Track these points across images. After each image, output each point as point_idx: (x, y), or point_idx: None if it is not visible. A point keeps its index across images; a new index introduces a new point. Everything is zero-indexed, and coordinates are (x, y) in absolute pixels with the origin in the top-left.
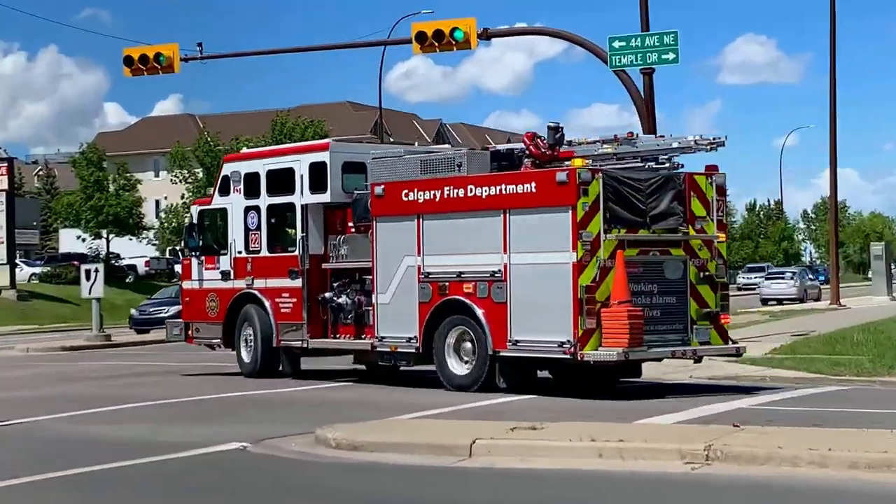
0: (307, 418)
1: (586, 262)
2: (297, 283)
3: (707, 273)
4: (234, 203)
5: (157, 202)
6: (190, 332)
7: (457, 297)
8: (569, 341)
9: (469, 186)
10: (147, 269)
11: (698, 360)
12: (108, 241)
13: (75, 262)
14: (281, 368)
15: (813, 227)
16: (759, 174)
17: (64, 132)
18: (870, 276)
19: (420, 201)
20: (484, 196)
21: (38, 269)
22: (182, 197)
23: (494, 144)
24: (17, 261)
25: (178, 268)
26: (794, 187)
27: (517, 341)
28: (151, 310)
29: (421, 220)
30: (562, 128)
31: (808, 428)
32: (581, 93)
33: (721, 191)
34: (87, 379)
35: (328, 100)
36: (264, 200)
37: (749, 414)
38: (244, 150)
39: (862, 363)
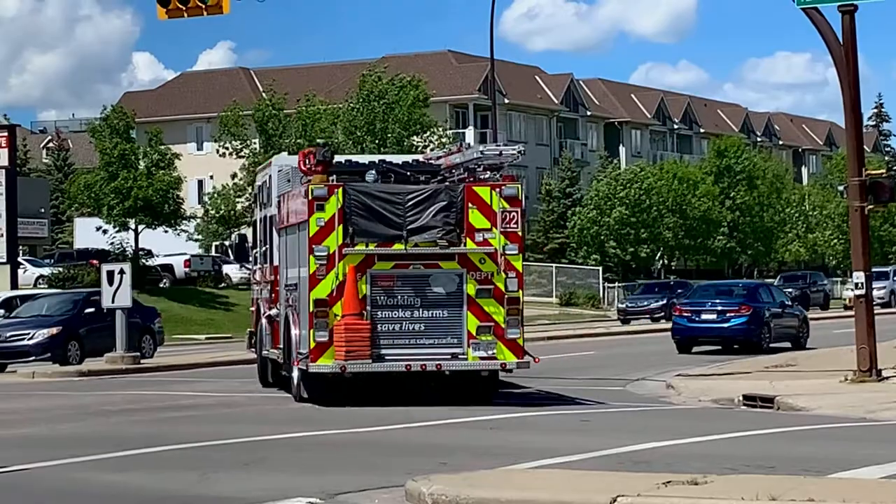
0: (390, 465)
1: (321, 277)
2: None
3: (491, 286)
4: None
5: (201, 183)
6: None
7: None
8: (303, 353)
9: (287, 203)
10: (187, 270)
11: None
12: (136, 234)
13: (94, 262)
14: None
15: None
16: None
17: (81, 92)
18: None
19: (277, 217)
20: (287, 212)
21: (46, 270)
22: (234, 176)
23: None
24: (21, 259)
25: (228, 269)
26: None
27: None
28: (9, 334)
29: (278, 235)
30: (329, 146)
31: None
32: (761, 38)
33: (513, 202)
34: (110, 412)
35: (424, 48)
36: None
37: None
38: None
39: None
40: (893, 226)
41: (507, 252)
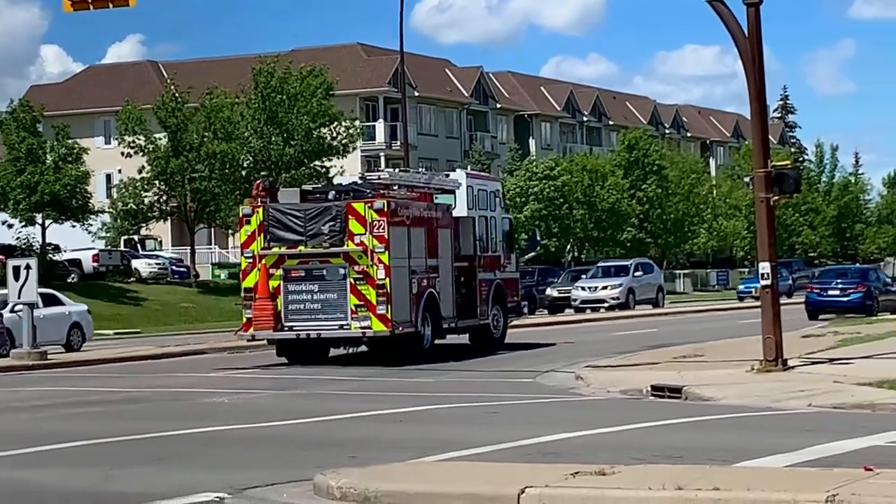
0: (300, 459)
1: (249, 271)
2: None
3: (365, 277)
4: None
5: (109, 176)
6: None
7: None
8: (240, 327)
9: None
10: (95, 264)
11: (355, 344)
12: (44, 229)
13: (0, 257)
14: None
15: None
16: None
17: None
18: None
19: None
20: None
21: None
22: (140, 171)
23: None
24: None
25: (137, 263)
26: None
27: None
28: None
29: None
30: (272, 178)
31: None
32: (671, 31)
33: (380, 213)
34: (13, 409)
35: (333, 41)
36: None
37: (887, 453)
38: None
39: None
40: (800, 214)
41: (376, 250)
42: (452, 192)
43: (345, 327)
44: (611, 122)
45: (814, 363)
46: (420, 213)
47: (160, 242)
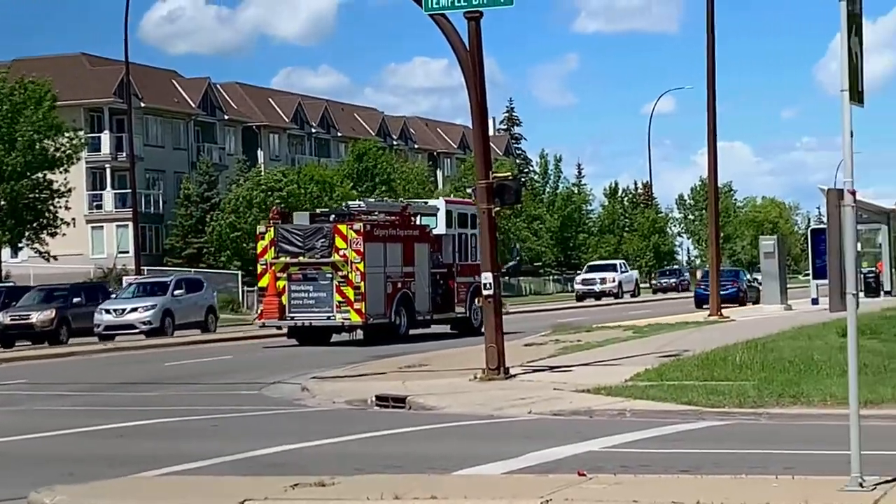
0: (15, 476)
1: (263, 274)
2: None
3: (346, 280)
4: None
5: None
6: None
7: None
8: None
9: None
10: None
11: (349, 330)
12: None
13: None
14: None
15: (691, 217)
16: (624, 149)
17: None
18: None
19: None
20: None
21: None
22: None
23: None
24: None
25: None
26: (670, 167)
27: None
28: None
29: None
30: (282, 206)
31: (674, 476)
32: (400, 43)
33: (358, 232)
34: None
35: (56, 51)
36: None
37: (601, 458)
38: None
39: (745, 391)
40: (521, 221)
41: (354, 261)
42: (433, 214)
43: (330, 318)
44: (339, 134)
45: (535, 371)
46: (396, 231)
47: None
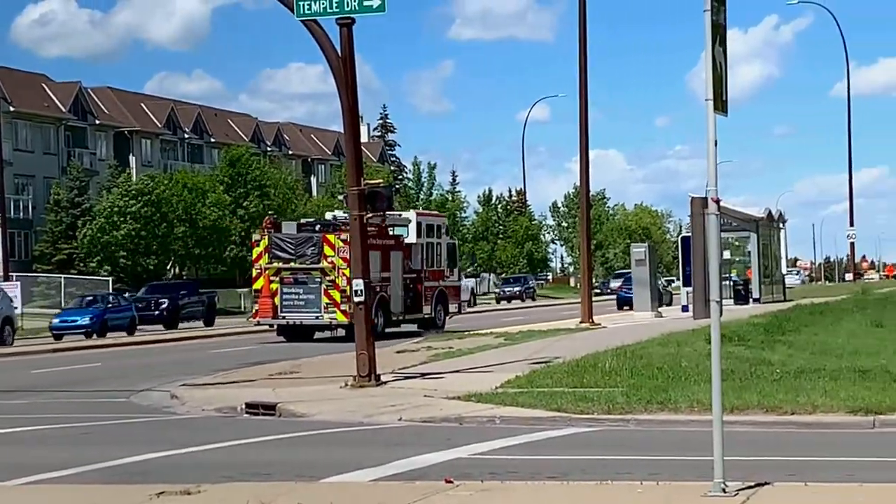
0: None
1: (257, 278)
2: None
3: (333, 284)
4: None
5: None
6: None
7: None
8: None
9: None
10: None
11: (334, 328)
12: None
13: None
14: None
15: (564, 225)
16: (499, 156)
17: None
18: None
19: None
20: None
21: None
22: None
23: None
24: None
25: None
26: (545, 174)
27: None
28: None
29: None
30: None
31: (541, 482)
32: (275, 49)
33: (345, 242)
34: None
35: None
36: None
37: (469, 465)
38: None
39: (614, 397)
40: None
41: (341, 267)
42: (405, 225)
43: (319, 318)
44: (213, 140)
45: (407, 378)
46: (375, 241)
47: None
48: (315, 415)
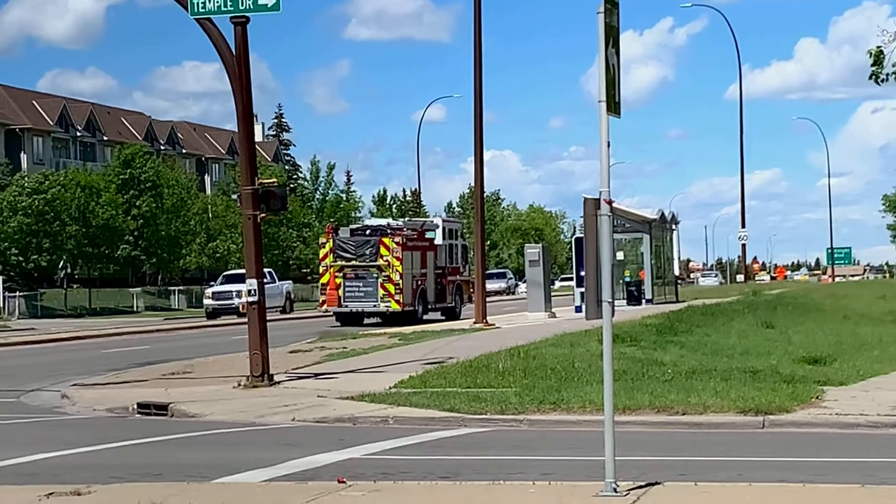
0: None
1: (323, 274)
2: None
3: (388, 279)
4: None
5: None
6: None
7: None
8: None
9: None
10: None
11: (389, 315)
12: None
13: None
14: None
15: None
16: (396, 156)
17: None
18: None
19: None
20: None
21: None
22: None
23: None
24: None
25: None
26: (441, 174)
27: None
28: None
29: None
30: (335, 226)
31: (434, 482)
32: (169, 47)
33: (397, 244)
34: None
35: None
36: None
37: (362, 465)
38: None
39: (507, 398)
40: (290, 228)
41: (394, 265)
42: (434, 230)
43: (376, 306)
44: (106, 138)
45: (300, 378)
46: (417, 243)
47: None
48: (207, 415)
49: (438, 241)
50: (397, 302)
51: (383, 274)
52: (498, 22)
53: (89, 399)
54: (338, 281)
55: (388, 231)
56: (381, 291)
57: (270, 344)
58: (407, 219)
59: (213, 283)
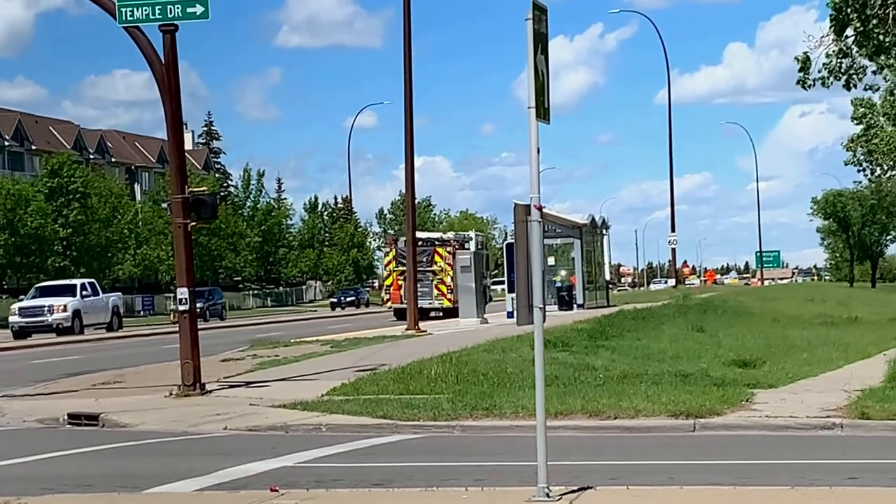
0: None
1: (387, 277)
2: None
3: (441, 281)
4: None
5: None
6: None
7: None
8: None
9: None
10: None
11: (441, 311)
12: None
13: None
14: None
15: (390, 232)
16: (327, 163)
17: None
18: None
19: None
20: None
21: None
22: None
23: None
24: None
25: None
26: (372, 181)
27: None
28: None
29: None
30: (395, 237)
31: (367, 490)
32: (99, 55)
33: (449, 253)
34: None
35: None
36: None
37: (295, 473)
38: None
39: (440, 404)
40: (220, 238)
41: (447, 270)
42: (470, 241)
43: (431, 303)
44: (34, 147)
45: (232, 387)
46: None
47: None
48: (138, 425)
49: (473, 249)
50: (449, 300)
51: (437, 277)
52: (427, 27)
53: (18, 410)
54: (400, 283)
55: (439, 242)
56: (435, 291)
57: (202, 352)
58: (454, 233)
59: (22, 296)
